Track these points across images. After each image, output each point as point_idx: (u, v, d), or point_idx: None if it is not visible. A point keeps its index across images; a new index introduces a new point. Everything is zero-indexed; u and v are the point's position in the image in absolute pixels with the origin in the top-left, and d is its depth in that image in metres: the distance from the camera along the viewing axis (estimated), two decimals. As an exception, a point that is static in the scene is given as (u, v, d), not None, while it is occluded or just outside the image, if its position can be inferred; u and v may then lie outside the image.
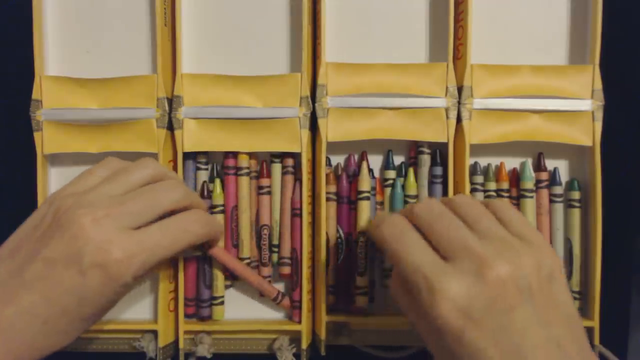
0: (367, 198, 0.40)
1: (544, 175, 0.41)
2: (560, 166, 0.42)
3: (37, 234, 0.31)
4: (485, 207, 0.31)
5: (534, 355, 0.26)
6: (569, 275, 0.41)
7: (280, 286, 0.42)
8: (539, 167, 0.41)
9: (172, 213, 0.33)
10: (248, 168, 0.41)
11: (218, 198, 0.41)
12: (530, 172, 0.41)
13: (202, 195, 0.41)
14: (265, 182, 0.41)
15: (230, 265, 0.39)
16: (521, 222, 0.30)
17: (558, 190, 0.41)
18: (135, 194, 0.32)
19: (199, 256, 0.40)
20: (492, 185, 0.41)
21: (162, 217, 0.33)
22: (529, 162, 0.41)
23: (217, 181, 0.41)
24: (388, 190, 0.41)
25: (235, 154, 0.41)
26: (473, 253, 0.27)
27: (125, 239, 0.30)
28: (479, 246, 0.28)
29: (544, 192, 0.41)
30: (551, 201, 0.41)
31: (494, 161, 0.42)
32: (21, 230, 0.32)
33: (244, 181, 0.41)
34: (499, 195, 0.40)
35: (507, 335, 0.26)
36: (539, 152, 0.41)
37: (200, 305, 0.41)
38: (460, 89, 0.40)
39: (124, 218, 0.30)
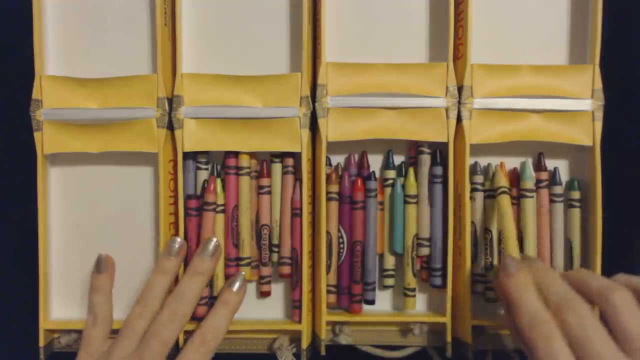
0: (505, 192, 0.40)
1: (544, 175, 0.41)
2: (560, 166, 0.42)
3: None
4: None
5: None
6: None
7: (280, 286, 0.42)
8: (539, 167, 0.41)
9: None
10: (249, 168, 0.41)
11: (218, 198, 0.41)
12: (530, 172, 0.41)
13: (202, 194, 0.41)
14: (265, 182, 0.41)
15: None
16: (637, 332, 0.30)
17: (558, 190, 0.41)
18: (146, 341, 0.34)
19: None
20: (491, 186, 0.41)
21: None
22: (529, 161, 0.41)
23: (218, 181, 0.41)
24: (388, 190, 0.41)
25: (236, 154, 0.41)
26: None
27: None
28: None
29: (544, 192, 0.41)
30: (551, 201, 0.41)
31: (494, 161, 0.42)
32: None
33: (245, 181, 0.41)
34: (502, 192, 0.40)
35: None
36: (539, 152, 0.41)
37: (200, 304, 0.41)
38: (460, 89, 0.40)
39: None
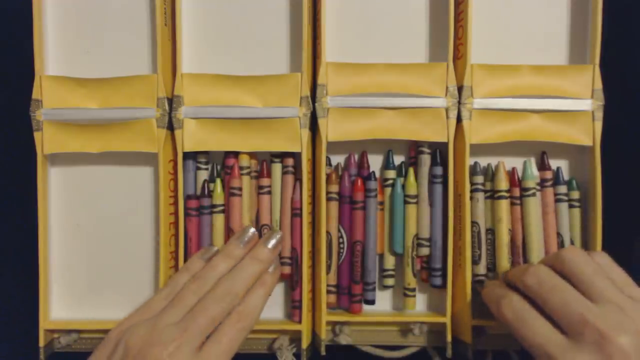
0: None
1: (549, 174, 0.41)
2: (561, 166, 0.42)
3: None
4: (593, 262, 0.33)
5: None
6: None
7: (280, 286, 0.42)
8: (542, 166, 0.41)
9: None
10: (249, 167, 0.41)
11: (218, 198, 0.41)
12: (532, 171, 0.41)
13: (202, 195, 0.41)
14: (265, 182, 0.41)
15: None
16: (627, 279, 0.32)
17: (562, 189, 0.41)
18: (193, 316, 0.34)
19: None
20: (492, 186, 0.41)
21: None
22: (532, 160, 0.41)
23: (218, 181, 0.41)
24: (388, 190, 0.41)
25: (236, 154, 0.41)
26: (592, 327, 0.29)
27: None
28: (596, 318, 0.29)
29: (549, 191, 0.41)
30: (556, 200, 0.41)
31: (494, 161, 0.42)
32: None
33: (245, 181, 0.41)
34: (499, 197, 0.40)
35: None
36: (542, 151, 0.41)
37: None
38: (460, 89, 0.40)
39: (192, 341, 0.33)
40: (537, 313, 0.32)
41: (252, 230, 0.39)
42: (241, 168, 0.41)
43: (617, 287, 0.31)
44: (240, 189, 0.40)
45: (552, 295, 0.31)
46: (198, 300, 0.35)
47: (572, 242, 0.41)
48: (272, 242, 0.39)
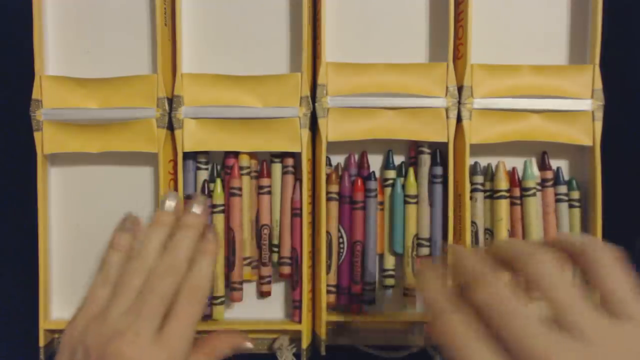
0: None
1: (549, 174, 0.41)
2: (561, 166, 0.42)
3: None
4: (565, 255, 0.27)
5: None
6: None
7: (280, 286, 0.42)
8: (543, 166, 0.41)
9: None
10: (249, 167, 0.41)
11: (218, 198, 0.41)
12: (532, 171, 0.41)
13: (202, 194, 0.40)
14: (265, 182, 0.41)
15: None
16: (624, 287, 0.26)
17: (562, 189, 0.41)
18: (142, 297, 0.32)
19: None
20: (491, 185, 0.41)
21: None
22: (533, 160, 0.41)
23: (218, 181, 0.41)
24: (388, 190, 0.41)
25: (236, 154, 0.41)
26: None
27: (159, 345, 0.31)
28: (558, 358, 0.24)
29: (550, 191, 0.41)
30: (556, 200, 0.41)
31: (494, 161, 0.42)
32: None
33: (245, 181, 0.41)
34: (500, 197, 0.40)
35: None
36: (543, 151, 0.41)
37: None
38: (460, 89, 0.40)
39: (148, 325, 0.31)
40: (486, 343, 0.25)
41: (174, 193, 0.37)
42: (241, 168, 0.41)
43: (596, 309, 0.25)
44: (240, 189, 0.40)
45: (510, 323, 0.25)
46: (142, 281, 0.33)
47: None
48: (198, 206, 0.36)
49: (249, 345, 0.35)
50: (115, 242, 0.36)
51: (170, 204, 0.36)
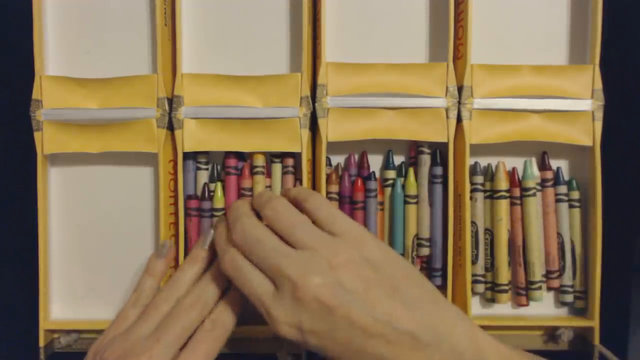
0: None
1: (549, 174, 0.41)
2: (561, 166, 0.42)
3: None
4: (298, 207, 0.34)
5: (365, 339, 0.29)
6: (573, 275, 0.41)
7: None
8: (543, 166, 0.41)
9: None
10: (263, 167, 0.41)
11: (219, 201, 0.41)
12: (532, 171, 0.41)
13: (202, 197, 0.41)
14: (265, 182, 0.41)
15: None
16: (331, 216, 0.33)
17: (562, 189, 0.41)
18: (165, 326, 0.34)
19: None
20: (492, 186, 0.41)
21: None
22: (533, 160, 0.41)
23: (219, 184, 0.41)
24: (388, 190, 0.41)
25: (236, 154, 0.41)
26: (287, 277, 0.30)
27: None
28: (288, 266, 0.30)
29: (550, 191, 0.41)
30: (556, 200, 0.41)
31: (494, 161, 0.42)
32: None
33: (259, 180, 0.41)
34: (500, 197, 0.40)
35: (337, 331, 0.29)
36: (543, 152, 0.41)
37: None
38: (460, 89, 0.40)
39: (165, 352, 0.33)
40: (252, 267, 0.32)
41: (212, 231, 0.38)
42: (255, 167, 0.41)
43: (317, 228, 0.32)
44: (251, 189, 0.40)
45: (255, 250, 0.32)
46: (170, 308, 0.35)
47: (573, 243, 0.41)
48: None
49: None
50: (151, 268, 0.38)
51: (206, 240, 0.37)
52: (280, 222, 0.33)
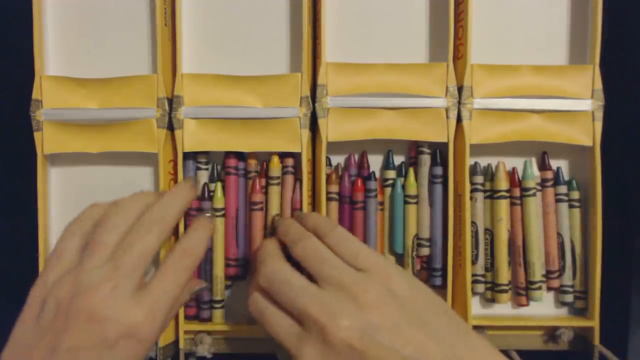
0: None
1: (549, 174, 0.41)
2: (561, 166, 0.42)
3: (44, 330, 0.30)
4: (321, 241, 0.34)
5: None
6: (573, 275, 0.41)
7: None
8: (543, 166, 0.41)
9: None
10: (278, 178, 0.41)
11: (219, 202, 0.41)
12: (532, 171, 0.41)
13: (202, 197, 0.41)
14: (279, 192, 0.41)
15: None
16: (356, 249, 0.33)
17: (562, 189, 0.41)
18: (121, 253, 0.31)
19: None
20: (492, 186, 0.41)
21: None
22: (533, 160, 0.41)
23: (218, 184, 0.41)
24: (388, 190, 0.41)
25: (236, 154, 0.41)
26: (315, 320, 0.29)
27: (138, 301, 0.30)
28: (315, 308, 0.30)
29: (550, 191, 0.41)
30: (556, 201, 0.41)
31: (494, 161, 0.42)
32: (21, 331, 0.31)
33: (274, 191, 0.41)
34: (500, 197, 0.40)
35: None
36: (543, 152, 0.41)
37: (202, 307, 0.41)
38: (460, 89, 0.40)
39: (127, 281, 0.30)
40: (276, 309, 0.32)
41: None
42: (286, 166, 0.41)
43: (344, 264, 0.32)
44: (261, 202, 0.40)
45: (281, 291, 0.31)
46: (120, 237, 0.32)
47: (573, 243, 0.41)
48: (191, 181, 0.38)
49: (204, 284, 0.38)
50: (97, 203, 0.35)
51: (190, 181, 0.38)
52: (310, 259, 0.32)
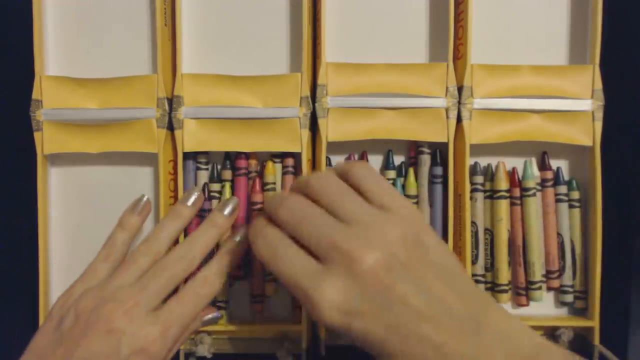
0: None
1: (549, 174, 0.41)
2: (560, 166, 0.42)
3: (61, 339, 0.32)
4: (343, 179, 0.32)
5: (416, 322, 0.27)
6: (573, 275, 0.41)
7: (280, 286, 0.42)
8: (543, 166, 0.41)
9: None
10: (274, 183, 0.41)
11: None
12: (532, 171, 0.41)
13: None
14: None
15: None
16: (380, 188, 0.31)
17: (562, 189, 0.41)
18: (151, 275, 0.33)
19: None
20: (492, 185, 0.41)
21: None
22: (533, 160, 0.41)
23: (227, 185, 0.41)
24: (388, 190, 0.41)
25: (241, 154, 0.41)
26: (340, 251, 0.28)
27: (155, 320, 0.32)
28: (344, 240, 0.28)
29: (550, 191, 0.41)
30: (556, 201, 0.41)
31: (494, 161, 0.42)
32: (40, 339, 0.33)
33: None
34: (500, 197, 0.40)
35: (388, 311, 0.27)
36: (543, 152, 0.41)
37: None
38: (460, 89, 0.40)
39: (149, 301, 0.32)
40: (292, 242, 0.30)
41: (197, 191, 0.38)
42: (286, 166, 0.41)
43: (366, 202, 0.30)
44: (261, 203, 0.40)
45: (303, 225, 0.30)
46: (151, 262, 0.34)
47: (573, 243, 0.41)
48: (228, 209, 0.38)
49: (217, 314, 0.37)
50: (124, 222, 0.37)
51: (190, 196, 0.37)
52: (329, 195, 0.30)
